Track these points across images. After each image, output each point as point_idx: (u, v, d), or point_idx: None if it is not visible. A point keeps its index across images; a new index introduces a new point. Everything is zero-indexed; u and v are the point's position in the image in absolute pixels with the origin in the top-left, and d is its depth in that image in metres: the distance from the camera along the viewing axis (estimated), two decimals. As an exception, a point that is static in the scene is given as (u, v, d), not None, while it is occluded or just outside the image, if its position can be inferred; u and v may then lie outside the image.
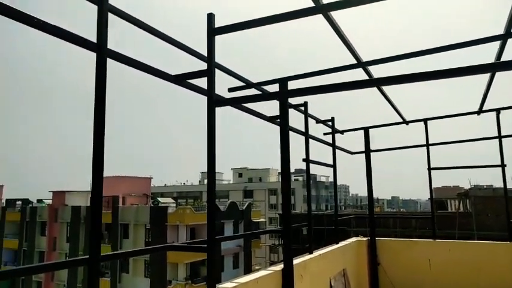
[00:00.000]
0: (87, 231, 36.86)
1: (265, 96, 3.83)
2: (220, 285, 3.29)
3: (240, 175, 74.80)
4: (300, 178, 74.65)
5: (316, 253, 5.05)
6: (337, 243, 6.12)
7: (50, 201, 42.61)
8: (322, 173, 69.15)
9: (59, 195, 41.35)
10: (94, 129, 2.15)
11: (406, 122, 6.99)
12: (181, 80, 2.75)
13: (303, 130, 5.40)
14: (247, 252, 37.27)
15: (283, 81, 4.16)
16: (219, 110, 2.88)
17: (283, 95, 3.88)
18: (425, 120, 6.94)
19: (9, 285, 39.88)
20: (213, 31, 2.66)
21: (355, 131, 7.13)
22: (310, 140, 5.65)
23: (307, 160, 5.23)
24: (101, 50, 2.15)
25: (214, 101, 2.57)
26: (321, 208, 65.59)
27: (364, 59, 4.12)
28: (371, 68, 4.44)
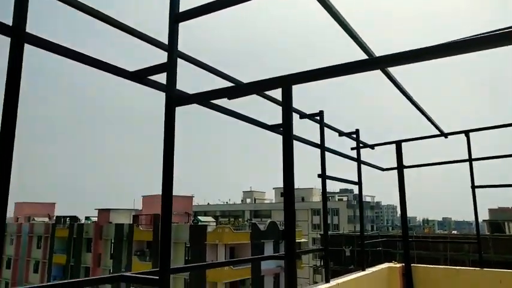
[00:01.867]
0: (128, 249, 37.46)
1: (254, 88, 3.33)
2: None
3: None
4: (345, 198, 72.66)
5: (334, 282, 4.40)
6: (364, 269, 5.40)
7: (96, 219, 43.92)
8: (367, 193, 66.81)
9: (104, 213, 42.47)
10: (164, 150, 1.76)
11: (445, 135, 6.19)
12: (140, 76, 2.33)
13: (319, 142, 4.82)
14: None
15: (284, 79, 3.66)
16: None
17: (287, 81, 3.37)
18: (466, 132, 6.12)
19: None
20: (176, 16, 2.22)
21: (385, 146, 6.43)
22: (338, 157, 5.11)
23: (323, 176, 4.65)
24: (18, 33, 1.76)
25: (175, 100, 2.12)
26: (366, 229, 63.11)
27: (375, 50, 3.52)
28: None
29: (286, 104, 3.71)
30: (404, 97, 4.65)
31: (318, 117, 4.86)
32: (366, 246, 5.43)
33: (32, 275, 45.32)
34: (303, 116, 4.79)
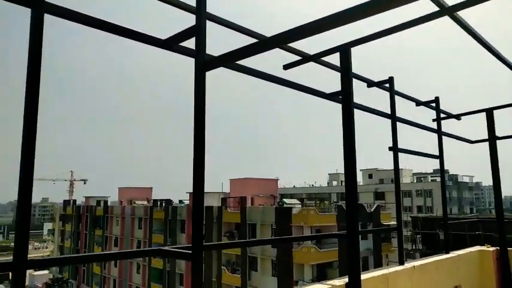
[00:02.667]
0: (218, 230, 39.15)
1: (309, 57, 3.07)
2: None
3: (370, 176, 71.45)
4: (438, 179, 67.98)
5: (409, 264, 4.01)
6: (448, 252, 4.88)
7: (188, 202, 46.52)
8: (465, 173, 61.75)
9: (195, 196, 44.87)
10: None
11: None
12: (171, 43, 2.22)
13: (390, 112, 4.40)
14: (376, 256, 35.04)
15: (343, 48, 3.35)
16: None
17: (345, 45, 3.07)
18: None
19: (159, 275, 44.69)
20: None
21: (472, 115, 5.70)
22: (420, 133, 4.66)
23: (394, 149, 4.23)
24: (37, 4, 1.74)
25: (204, 63, 1.98)
26: (465, 212, 58.53)
27: None
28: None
29: (345, 67, 3.40)
30: (494, 60, 4.02)
31: (388, 85, 4.42)
32: (448, 228, 4.89)
33: (134, 275, 49.70)
34: (370, 84, 4.39)
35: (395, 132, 4.25)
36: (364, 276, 3.46)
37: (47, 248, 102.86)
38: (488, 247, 5.40)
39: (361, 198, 62.65)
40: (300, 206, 40.15)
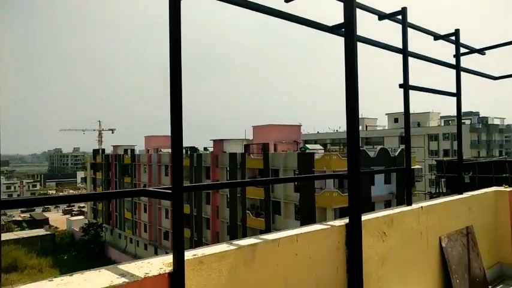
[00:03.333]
0: (241, 176, 39.86)
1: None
2: (262, 236, 2.67)
3: (396, 120, 70.00)
4: (467, 121, 66.08)
5: (416, 205, 3.91)
6: (461, 193, 4.73)
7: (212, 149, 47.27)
8: (496, 114, 59.58)
9: (218, 144, 45.38)
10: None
11: None
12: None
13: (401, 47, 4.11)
14: (399, 200, 35.17)
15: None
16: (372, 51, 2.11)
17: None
18: None
19: (184, 219, 46.59)
20: None
21: (497, 48, 5.29)
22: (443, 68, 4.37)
23: (405, 86, 4.00)
24: None
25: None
26: (494, 154, 57.17)
27: None
28: None
29: (348, -2, 3.13)
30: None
31: (400, 17, 4.09)
32: (461, 169, 4.70)
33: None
34: (381, 16, 4.07)
35: (407, 68, 3.98)
36: (366, 216, 3.39)
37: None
38: (506, 187, 5.21)
39: (386, 142, 61.87)
40: (323, 151, 40.16)
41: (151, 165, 54.19)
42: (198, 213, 45.44)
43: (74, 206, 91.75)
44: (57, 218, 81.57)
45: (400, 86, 3.99)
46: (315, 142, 64.91)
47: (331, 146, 57.08)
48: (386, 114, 71.94)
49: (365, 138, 67.70)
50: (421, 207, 3.86)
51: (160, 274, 1.98)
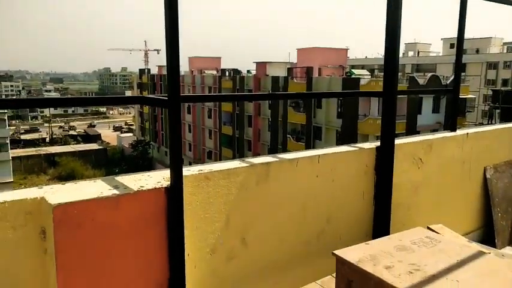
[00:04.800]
0: (284, 100, 39.36)
1: None
2: (280, 155, 2.44)
3: (452, 46, 64.86)
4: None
5: (461, 131, 3.49)
6: (515, 121, 4.21)
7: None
8: None
9: (261, 66, 44.50)
10: None
11: None
12: None
13: None
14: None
15: None
16: None
17: None
18: None
19: (228, 141, 47.70)
20: None
21: None
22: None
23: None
24: None
25: None
26: None
27: None
28: None
29: None
30: None
31: None
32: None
33: (207, 119, 52.69)
34: None
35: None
36: (401, 140, 3.05)
37: (129, 113, 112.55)
38: None
39: (440, 70, 58.14)
40: (370, 76, 38.45)
41: (195, 87, 54.61)
42: (240, 135, 46.15)
43: (123, 123, 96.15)
44: (108, 134, 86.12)
45: (458, -9, 3.37)
46: (362, 67, 62.17)
47: (379, 72, 54.52)
48: (441, 39, 66.84)
49: (416, 64, 63.90)
50: (467, 133, 3.44)
51: (155, 188, 1.81)
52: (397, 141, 2.91)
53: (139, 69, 73.33)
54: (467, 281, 1.83)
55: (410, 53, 70.47)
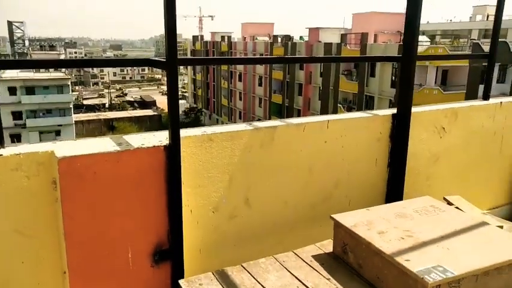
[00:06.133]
0: (336, 68, 38.34)
1: None
2: (287, 120, 2.49)
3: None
4: None
5: (494, 100, 3.30)
6: None
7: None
8: None
9: (314, 32, 43.36)
10: None
11: None
12: None
13: None
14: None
15: None
16: None
17: None
18: None
19: (278, 109, 47.61)
20: None
21: None
22: None
23: None
24: None
25: None
26: None
27: None
28: None
29: None
30: None
31: None
32: None
33: (257, 87, 52.70)
34: None
35: None
36: (421, 108, 2.95)
37: (183, 80, 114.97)
38: None
39: (510, 35, 53.58)
40: (429, 43, 36.31)
41: (247, 53, 54.48)
42: (290, 104, 45.86)
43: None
44: (162, 100, 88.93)
45: None
46: (423, 33, 58.64)
47: (442, 39, 51.17)
48: (515, 1, 61.05)
49: (484, 29, 59.18)
50: (500, 102, 3.24)
51: (155, 146, 1.92)
52: (415, 109, 2.82)
53: (193, 36, 74.12)
54: (457, 249, 1.80)
55: (479, 17, 65.25)
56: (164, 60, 1.86)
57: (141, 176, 1.91)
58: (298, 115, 45.11)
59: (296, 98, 45.26)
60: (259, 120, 52.34)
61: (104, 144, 1.92)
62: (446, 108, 3.00)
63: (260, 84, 52.47)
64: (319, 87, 41.51)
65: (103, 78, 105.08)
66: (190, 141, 2.08)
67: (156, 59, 1.99)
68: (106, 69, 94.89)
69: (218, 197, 2.23)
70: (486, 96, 3.28)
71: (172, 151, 1.93)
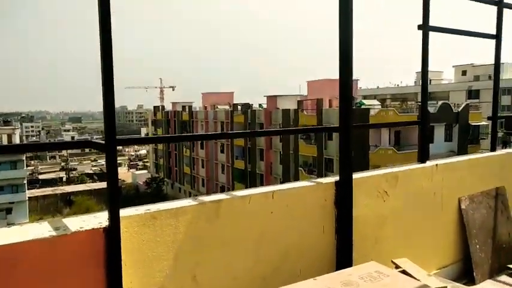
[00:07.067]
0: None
1: None
2: (232, 192, 2.51)
3: (464, 73, 64.91)
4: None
5: (430, 163, 3.52)
6: (494, 150, 4.21)
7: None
8: None
9: (272, 100, 45.07)
10: None
11: None
12: None
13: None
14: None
15: None
16: None
17: None
18: None
19: (241, 175, 47.69)
20: None
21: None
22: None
23: (424, 27, 3.50)
24: None
25: None
26: None
27: None
28: None
29: None
30: None
31: None
32: (496, 122, 4.15)
33: (219, 154, 53.00)
34: None
35: (428, 5, 3.45)
36: (363, 174, 3.09)
37: (144, 149, 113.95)
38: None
39: (452, 97, 57.95)
40: (380, 106, 38.50)
41: (208, 122, 55.38)
42: (253, 169, 46.19)
43: (138, 161, 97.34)
44: (123, 171, 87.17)
45: (419, 27, 3.48)
46: (375, 97, 62.29)
47: (392, 102, 54.49)
48: (453, 66, 66.93)
49: (429, 92, 63.75)
50: (436, 164, 3.45)
51: (94, 229, 1.89)
52: (357, 175, 2.95)
53: (154, 107, 74.95)
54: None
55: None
56: (103, 142, 1.89)
57: (79, 261, 1.85)
58: (261, 180, 45.32)
59: (258, 163, 45.74)
60: (222, 187, 52.02)
61: (40, 229, 1.86)
62: (387, 173, 3.16)
63: (222, 151, 52.87)
64: (280, 152, 42.35)
65: (61, 151, 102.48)
66: (133, 221, 2.06)
67: (95, 140, 2.02)
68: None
69: (163, 276, 2.17)
70: (423, 159, 3.50)
71: (112, 233, 1.90)
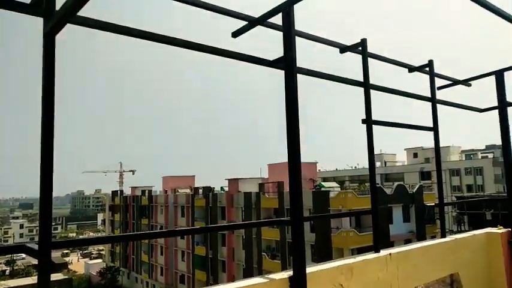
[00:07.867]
0: (257, 216, 39.14)
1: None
2: None
3: (415, 155, 68.64)
4: (490, 155, 64.29)
5: (385, 252, 3.52)
6: (444, 236, 4.30)
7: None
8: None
9: (233, 183, 45.05)
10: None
11: None
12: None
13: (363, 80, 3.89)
14: (419, 239, 33.66)
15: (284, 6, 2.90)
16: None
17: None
18: None
19: (202, 262, 45.64)
20: None
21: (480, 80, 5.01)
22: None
23: (367, 121, 3.73)
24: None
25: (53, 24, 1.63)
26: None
27: None
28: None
29: (287, 29, 2.96)
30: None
31: (361, 48, 3.89)
32: (443, 209, 4.30)
33: (179, 240, 50.99)
34: (343, 49, 3.89)
35: (369, 101, 3.73)
36: (317, 267, 3.04)
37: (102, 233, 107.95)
38: (500, 228, 4.74)
39: (406, 178, 60.51)
40: (339, 189, 39.31)
41: (168, 206, 54.04)
42: (214, 255, 44.51)
43: (92, 249, 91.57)
44: (75, 261, 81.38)
45: (363, 121, 3.72)
46: (334, 179, 63.89)
47: (350, 184, 55.96)
48: (405, 149, 70.81)
49: (384, 174, 66.36)
50: (390, 254, 3.47)
51: None
52: (311, 269, 2.90)
53: (112, 191, 72.74)
54: None
55: (378, 164, 73.58)
56: (37, 249, 1.77)
57: None
58: (223, 266, 43.50)
59: (220, 249, 44.22)
60: (182, 276, 49.28)
61: None
62: (341, 265, 3.12)
63: (182, 237, 50.98)
64: (242, 237, 41.38)
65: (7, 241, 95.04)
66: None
67: (29, 245, 1.89)
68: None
69: None
70: (376, 249, 3.51)
71: None
